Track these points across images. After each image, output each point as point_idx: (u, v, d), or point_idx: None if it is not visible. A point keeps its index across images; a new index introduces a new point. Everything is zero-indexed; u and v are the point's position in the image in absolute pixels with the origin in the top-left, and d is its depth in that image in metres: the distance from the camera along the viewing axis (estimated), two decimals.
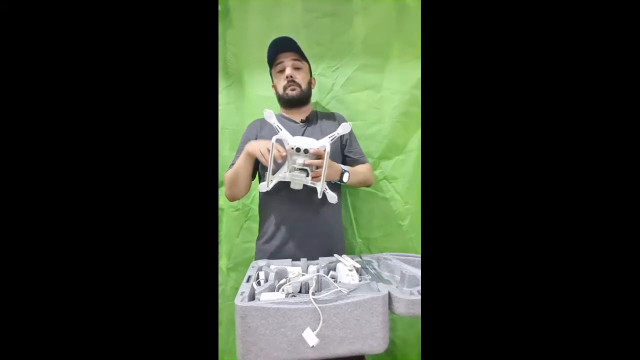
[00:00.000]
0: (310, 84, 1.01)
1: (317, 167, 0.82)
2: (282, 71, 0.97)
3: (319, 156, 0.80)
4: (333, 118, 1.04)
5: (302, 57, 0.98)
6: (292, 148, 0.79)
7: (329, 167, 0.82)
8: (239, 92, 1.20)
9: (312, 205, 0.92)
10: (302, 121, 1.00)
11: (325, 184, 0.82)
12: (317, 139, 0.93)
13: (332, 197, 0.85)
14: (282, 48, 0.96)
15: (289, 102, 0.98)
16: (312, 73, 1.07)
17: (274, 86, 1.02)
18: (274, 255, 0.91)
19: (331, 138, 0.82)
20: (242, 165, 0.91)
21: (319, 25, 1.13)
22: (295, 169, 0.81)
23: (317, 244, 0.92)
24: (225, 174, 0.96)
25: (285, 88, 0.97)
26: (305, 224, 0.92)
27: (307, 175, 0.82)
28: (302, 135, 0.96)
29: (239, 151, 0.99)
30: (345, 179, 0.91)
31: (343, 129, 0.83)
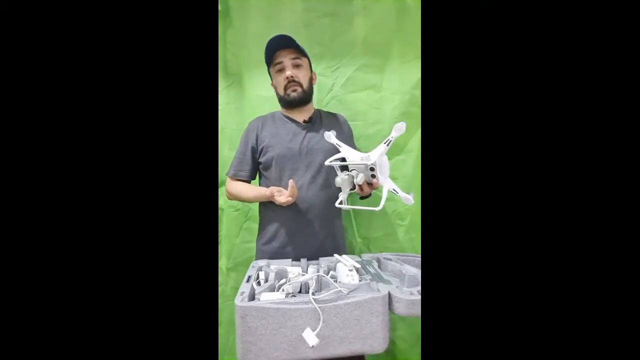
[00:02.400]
0: (311, 81, 0.98)
1: (361, 189, 0.83)
2: (281, 70, 0.94)
3: (372, 184, 0.81)
4: (335, 118, 1.03)
5: (301, 53, 0.94)
6: (367, 166, 0.77)
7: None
8: (239, 92, 1.20)
9: (313, 205, 0.92)
10: (304, 121, 0.98)
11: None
12: (320, 139, 0.94)
13: (406, 199, 0.81)
14: (280, 46, 0.92)
15: (290, 103, 0.95)
16: (312, 69, 1.05)
17: (273, 85, 0.99)
18: (275, 255, 0.91)
19: (394, 191, 0.78)
20: (255, 197, 0.95)
21: (319, 25, 1.13)
22: (351, 178, 0.80)
23: (317, 245, 0.92)
24: (233, 187, 0.97)
25: (286, 88, 0.93)
26: (306, 224, 0.92)
27: (351, 190, 0.83)
28: (304, 137, 0.95)
29: (240, 152, 0.99)
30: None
31: (405, 199, 0.76)
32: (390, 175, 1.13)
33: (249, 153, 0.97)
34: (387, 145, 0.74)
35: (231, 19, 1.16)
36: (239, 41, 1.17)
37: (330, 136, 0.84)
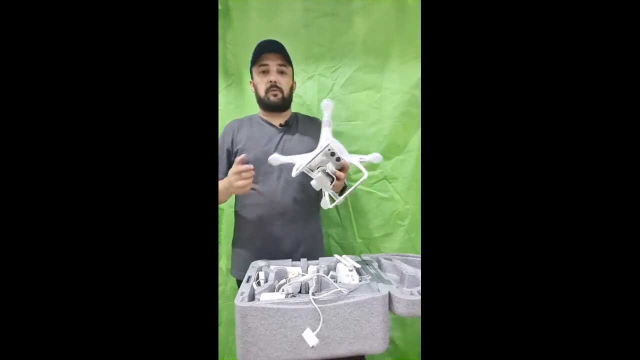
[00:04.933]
0: (292, 89, 1.00)
1: (338, 179, 0.82)
2: (265, 72, 0.95)
3: (343, 168, 0.81)
4: (312, 122, 1.03)
5: (287, 61, 0.97)
6: (329, 150, 0.78)
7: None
8: (239, 92, 1.20)
9: (287, 210, 0.94)
10: (280, 125, 0.99)
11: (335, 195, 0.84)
12: (296, 144, 0.96)
13: (375, 157, 0.85)
14: (268, 49, 0.94)
15: (269, 107, 0.97)
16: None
17: (253, 84, 0.99)
18: (250, 258, 0.91)
19: (361, 160, 0.83)
20: (222, 192, 0.93)
21: (318, 25, 1.13)
22: (324, 172, 0.80)
23: (293, 249, 0.94)
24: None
25: (267, 92, 0.95)
26: (280, 228, 0.94)
27: (331, 183, 0.81)
28: (280, 140, 0.97)
29: (220, 159, 1.00)
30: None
31: (374, 158, 0.83)
32: (390, 175, 1.15)
33: (224, 156, 0.99)
34: (328, 126, 0.80)
35: (231, 19, 1.16)
36: (239, 41, 1.17)
37: (277, 159, 0.84)
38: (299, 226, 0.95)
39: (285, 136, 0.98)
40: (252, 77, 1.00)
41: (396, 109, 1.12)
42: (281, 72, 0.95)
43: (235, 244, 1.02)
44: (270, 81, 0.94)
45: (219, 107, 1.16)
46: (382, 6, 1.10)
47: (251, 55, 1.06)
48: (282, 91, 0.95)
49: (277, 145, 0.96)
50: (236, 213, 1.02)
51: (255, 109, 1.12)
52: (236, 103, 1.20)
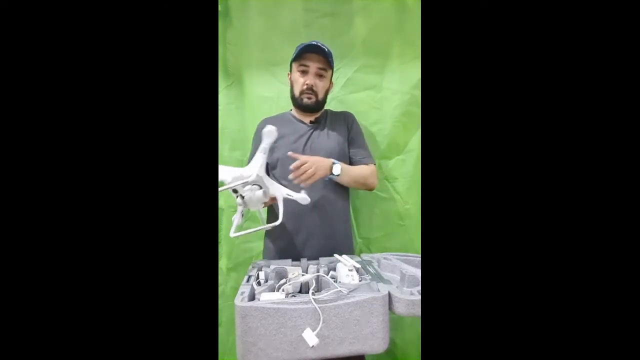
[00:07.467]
0: (327, 91, 1.01)
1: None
2: (304, 73, 0.95)
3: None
4: (340, 118, 1.04)
5: (328, 65, 0.96)
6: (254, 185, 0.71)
7: (318, 166, 0.82)
8: (239, 92, 1.20)
9: (316, 205, 0.93)
10: (311, 122, 1.00)
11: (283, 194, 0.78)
12: (324, 140, 0.96)
13: (302, 199, 0.79)
14: (312, 49, 0.94)
15: (302, 108, 0.98)
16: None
17: (290, 78, 1.00)
18: (280, 253, 0.93)
19: (288, 195, 0.77)
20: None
21: (319, 25, 1.13)
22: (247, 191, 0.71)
23: (322, 244, 0.93)
24: None
25: (302, 93, 0.96)
26: (312, 224, 0.93)
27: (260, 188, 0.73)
28: (309, 137, 0.97)
29: (252, 153, 1.00)
30: (336, 171, 0.89)
31: (301, 199, 0.76)
32: (390, 175, 1.15)
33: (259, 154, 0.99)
34: (263, 153, 0.73)
35: (231, 19, 1.16)
36: (239, 41, 1.17)
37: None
38: (328, 221, 0.95)
39: (314, 133, 0.99)
40: (290, 70, 1.00)
41: (396, 109, 1.12)
42: (320, 76, 0.96)
43: (267, 237, 1.01)
44: (307, 84, 0.94)
45: (219, 107, 1.16)
46: (382, 6, 1.10)
47: (251, 54, 1.05)
48: (316, 95, 0.96)
49: (306, 142, 0.97)
50: (268, 207, 1.02)
51: (256, 110, 1.13)
52: (236, 103, 1.20)
